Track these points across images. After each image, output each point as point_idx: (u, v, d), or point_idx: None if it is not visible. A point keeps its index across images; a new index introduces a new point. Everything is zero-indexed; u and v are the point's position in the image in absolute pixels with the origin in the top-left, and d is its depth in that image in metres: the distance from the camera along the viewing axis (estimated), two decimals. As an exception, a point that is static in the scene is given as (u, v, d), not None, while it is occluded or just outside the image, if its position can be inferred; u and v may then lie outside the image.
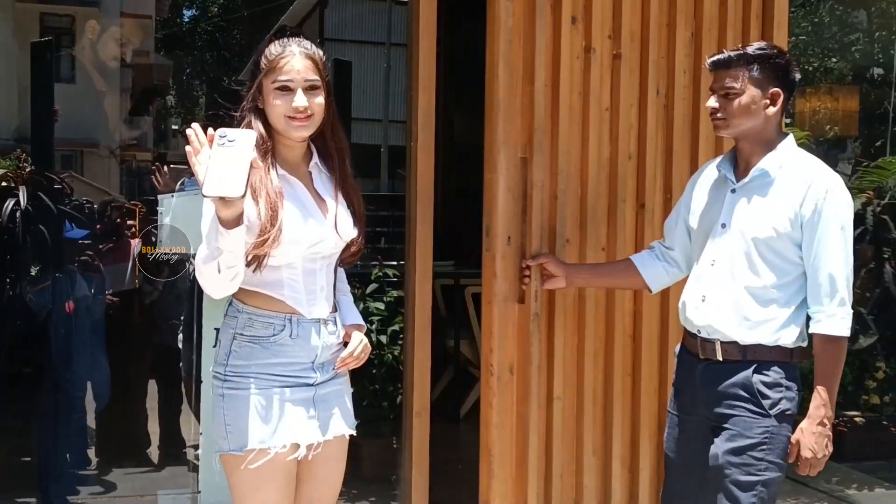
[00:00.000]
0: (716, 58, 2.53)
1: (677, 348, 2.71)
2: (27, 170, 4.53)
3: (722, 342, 2.50)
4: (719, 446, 2.47)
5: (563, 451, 3.30)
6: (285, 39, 2.20)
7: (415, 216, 3.30)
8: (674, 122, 3.37)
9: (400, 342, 4.44)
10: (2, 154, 5.20)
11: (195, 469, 3.95)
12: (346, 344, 2.32)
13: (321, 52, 2.24)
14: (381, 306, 4.60)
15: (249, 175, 1.94)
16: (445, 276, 5.71)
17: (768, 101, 2.48)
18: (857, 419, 5.34)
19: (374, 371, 4.50)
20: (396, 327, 4.54)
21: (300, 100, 2.16)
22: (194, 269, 2.19)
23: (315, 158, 2.29)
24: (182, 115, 20.06)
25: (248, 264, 2.10)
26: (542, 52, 3.23)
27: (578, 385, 3.31)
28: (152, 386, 4.90)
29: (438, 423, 3.51)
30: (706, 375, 2.53)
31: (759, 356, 2.46)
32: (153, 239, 3.81)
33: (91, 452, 4.66)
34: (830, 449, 2.43)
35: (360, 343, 2.32)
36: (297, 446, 2.18)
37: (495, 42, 3.20)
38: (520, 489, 3.25)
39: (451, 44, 6.49)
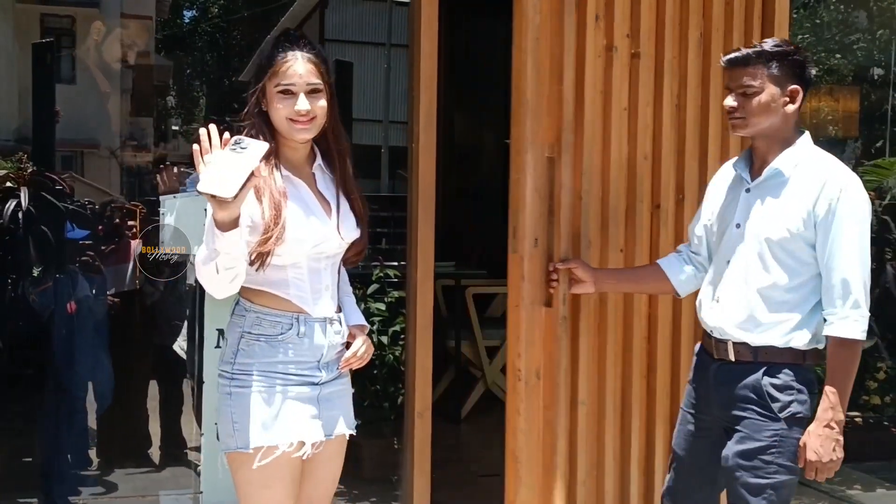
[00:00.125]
0: (733, 55, 2.46)
1: (697, 347, 2.68)
2: (28, 171, 4.53)
3: (734, 343, 2.47)
4: (731, 448, 2.45)
5: (587, 457, 3.26)
6: (288, 42, 2.21)
7: (416, 217, 3.28)
8: (686, 122, 3.34)
9: (401, 343, 4.45)
10: (3, 155, 5.19)
11: (196, 470, 3.96)
12: (349, 345, 2.33)
13: (324, 55, 2.25)
14: (383, 307, 4.60)
15: (248, 182, 1.94)
16: (446, 276, 5.71)
17: (787, 99, 2.42)
18: (857, 419, 5.34)
19: (375, 372, 4.50)
20: (398, 328, 4.54)
21: (302, 103, 2.17)
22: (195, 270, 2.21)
23: (318, 160, 2.31)
24: (182, 115, 20.09)
25: (251, 263, 2.11)
26: (571, 51, 3.16)
27: (600, 389, 3.27)
28: (153, 386, 4.90)
29: (439, 424, 3.50)
30: (719, 375, 2.51)
31: (771, 358, 2.43)
32: (154, 239, 3.82)
33: (93, 453, 4.66)
34: (840, 454, 2.36)
35: (363, 343, 2.34)
36: (302, 444, 2.20)
37: (523, 40, 3.12)
38: (546, 495, 3.19)
39: (452, 44, 6.49)
